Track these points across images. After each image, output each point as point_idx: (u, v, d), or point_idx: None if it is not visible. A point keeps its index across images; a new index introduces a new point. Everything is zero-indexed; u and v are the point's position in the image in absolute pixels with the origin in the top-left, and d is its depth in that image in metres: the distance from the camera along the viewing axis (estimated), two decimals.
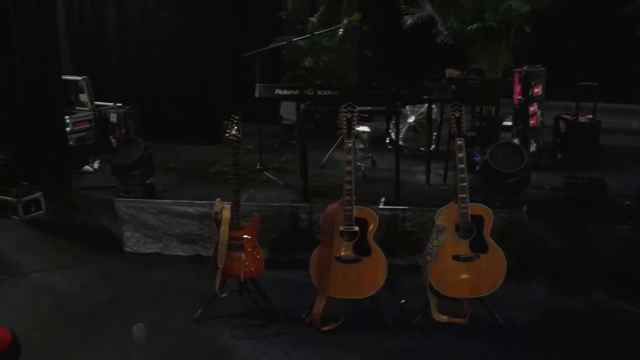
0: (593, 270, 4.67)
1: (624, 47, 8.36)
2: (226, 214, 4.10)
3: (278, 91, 5.19)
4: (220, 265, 4.08)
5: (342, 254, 3.97)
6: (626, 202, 5.32)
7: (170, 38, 8.24)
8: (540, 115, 6.87)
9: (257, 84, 5.31)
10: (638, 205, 5.23)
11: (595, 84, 6.67)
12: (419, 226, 4.74)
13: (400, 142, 5.85)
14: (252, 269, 4.12)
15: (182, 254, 5.13)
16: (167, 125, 7.90)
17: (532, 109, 6.75)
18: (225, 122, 4.18)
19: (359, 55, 8.78)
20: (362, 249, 3.97)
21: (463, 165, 3.91)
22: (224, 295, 4.10)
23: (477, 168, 5.15)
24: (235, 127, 4.12)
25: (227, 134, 4.14)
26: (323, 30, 7.18)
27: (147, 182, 5.25)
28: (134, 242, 5.19)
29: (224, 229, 4.09)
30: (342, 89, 5.19)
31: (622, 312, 4.20)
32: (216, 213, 4.11)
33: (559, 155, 6.66)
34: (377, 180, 5.58)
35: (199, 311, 4.11)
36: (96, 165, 7.20)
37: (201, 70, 7.99)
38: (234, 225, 4.09)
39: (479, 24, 7.40)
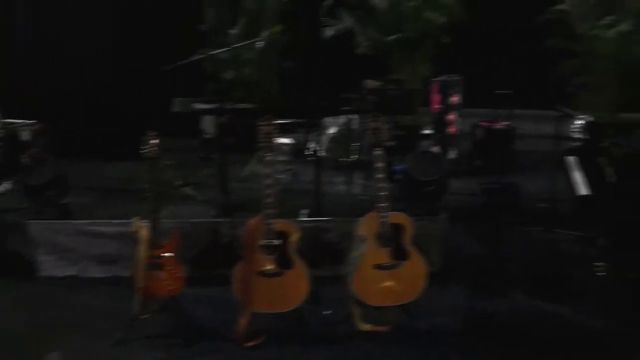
0: (512, 274, 4.77)
1: (536, 56, 8.62)
2: (144, 232, 4.01)
3: (196, 105, 5.13)
4: (139, 286, 3.98)
5: (265, 268, 3.93)
6: (540, 205, 5.47)
7: (89, 52, 8.03)
8: (458, 123, 7.01)
9: (175, 98, 5.24)
10: (551, 207, 5.40)
11: (511, 91, 6.86)
12: (342, 237, 4.74)
13: (323, 153, 5.87)
14: (173, 287, 4.03)
15: (100, 275, 4.95)
16: (84, 143, 7.67)
17: (450, 117, 6.89)
18: (144, 138, 4.10)
19: (280, 68, 8.78)
20: (284, 262, 3.94)
21: (382, 175, 3.95)
22: (144, 317, 3.99)
23: (397, 177, 5.21)
24: (152, 143, 4.05)
25: (144, 150, 4.05)
26: (243, 43, 7.15)
27: (62, 202, 5.09)
28: (48, 265, 4.98)
29: (142, 248, 3.99)
30: (262, 102, 5.17)
31: (542, 313, 4.31)
32: (134, 232, 4.02)
33: (477, 162, 6.82)
34: (299, 192, 5.57)
35: (120, 334, 3.98)
36: (6, 186, 6.91)
37: (121, 85, 7.82)
38: (153, 244, 4.00)
39: (398, 36, 7.53)
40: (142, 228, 4.02)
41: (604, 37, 7.19)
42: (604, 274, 4.53)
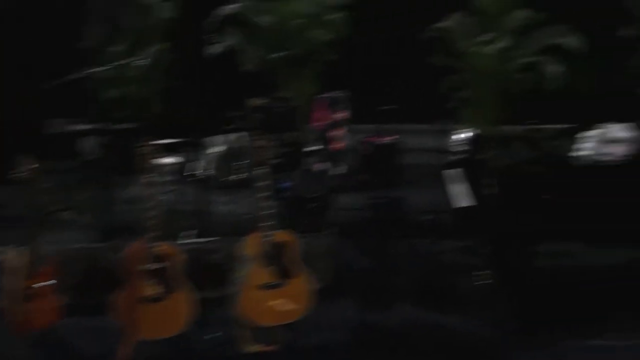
0: (400, 286, 4.85)
1: (422, 72, 8.85)
2: (19, 261, 3.81)
3: (76, 125, 4.95)
4: (14, 318, 3.77)
5: (148, 293, 3.81)
6: (426, 217, 5.60)
7: None
8: (346, 139, 7.08)
9: (51, 119, 5.04)
10: (437, 219, 5.54)
11: (397, 106, 7.00)
12: (227, 257, 4.67)
13: (208, 173, 5.81)
14: (51, 318, 3.86)
15: None
16: None
17: (337, 133, 6.95)
18: (19, 160, 3.91)
19: (167, 86, 8.60)
20: (168, 286, 3.84)
21: (267, 193, 3.94)
22: (21, 351, 3.80)
23: (283, 194, 5.20)
24: (29, 166, 3.87)
25: (20, 173, 3.86)
26: (126, 60, 6.97)
27: None
28: None
29: (17, 277, 3.79)
30: (147, 121, 5.05)
31: (430, 324, 4.40)
32: (6, 261, 3.81)
33: (364, 177, 6.91)
34: (184, 213, 5.44)
35: None
36: None
37: None
38: (29, 273, 3.81)
39: (284, 53, 7.55)
40: (16, 257, 3.83)
41: (483, 53, 7.45)
42: (488, 282, 4.67)
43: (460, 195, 5.17)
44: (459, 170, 5.32)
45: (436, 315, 4.48)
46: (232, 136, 5.94)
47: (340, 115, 7.01)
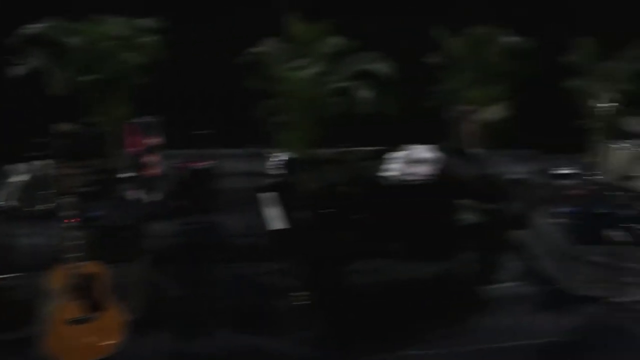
0: (217, 312, 4.82)
1: (239, 96, 8.90)
2: None
3: None
4: None
5: None
6: (242, 241, 5.64)
7: None
8: (160, 165, 6.97)
9: None
10: (253, 242, 5.60)
11: (212, 131, 6.99)
12: (32, 293, 4.40)
13: (11, 203, 5.48)
14: None
15: None
16: None
17: (151, 158, 6.82)
18: None
19: None
20: None
21: (73, 224, 3.79)
22: None
23: (93, 224, 5.01)
24: None
25: None
26: None
27: None
28: None
29: None
30: None
31: (249, 348, 4.42)
32: None
33: (180, 203, 6.83)
34: None
35: None
36: None
37: None
38: None
39: (94, 76, 7.28)
40: None
41: (297, 78, 7.64)
42: (304, 303, 4.76)
43: (276, 217, 5.24)
44: (274, 193, 5.40)
45: (255, 339, 4.50)
46: (37, 164, 5.64)
47: (153, 140, 6.89)
